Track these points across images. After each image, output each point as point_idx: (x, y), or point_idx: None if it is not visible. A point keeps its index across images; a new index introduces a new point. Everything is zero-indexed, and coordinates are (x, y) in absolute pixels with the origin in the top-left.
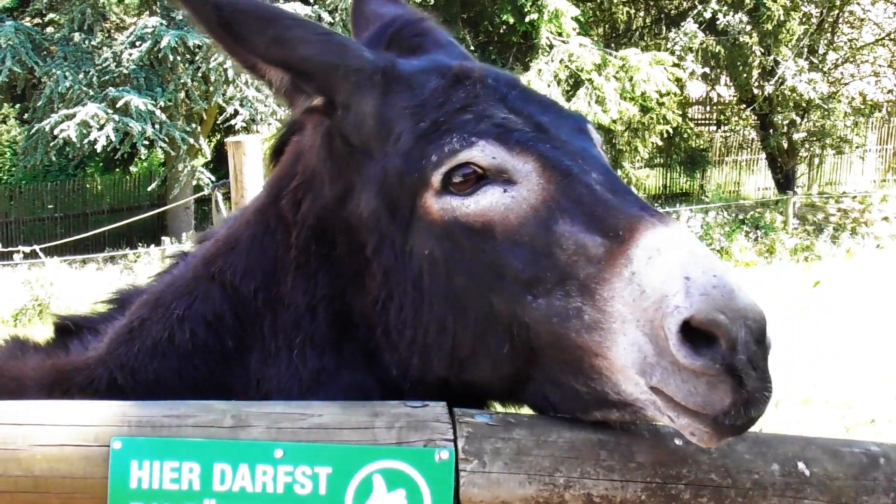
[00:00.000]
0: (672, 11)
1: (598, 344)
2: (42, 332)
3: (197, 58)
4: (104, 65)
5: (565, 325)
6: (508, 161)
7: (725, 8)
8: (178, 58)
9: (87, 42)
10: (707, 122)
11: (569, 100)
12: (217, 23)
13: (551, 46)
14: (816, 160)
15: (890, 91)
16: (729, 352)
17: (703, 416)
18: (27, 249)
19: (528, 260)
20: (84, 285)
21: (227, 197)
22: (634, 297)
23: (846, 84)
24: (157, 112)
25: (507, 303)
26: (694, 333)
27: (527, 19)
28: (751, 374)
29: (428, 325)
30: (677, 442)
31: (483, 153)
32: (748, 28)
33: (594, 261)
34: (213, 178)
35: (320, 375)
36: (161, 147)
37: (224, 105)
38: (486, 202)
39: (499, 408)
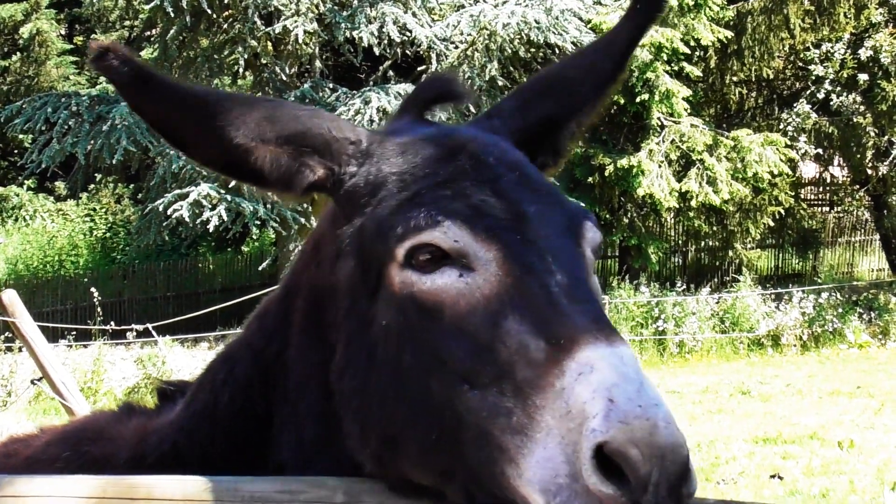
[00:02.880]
0: (785, 92)
1: (516, 449)
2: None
3: None
4: None
5: (493, 422)
6: (471, 246)
7: (839, 89)
8: None
9: None
10: (820, 202)
11: (679, 180)
12: (208, 113)
13: (662, 127)
14: None
15: None
16: (638, 490)
17: None
18: (140, 328)
19: (469, 350)
20: (196, 364)
21: None
22: (561, 412)
23: None
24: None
25: (443, 388)
26: (608, 461)
27: (637, 100)
28: None
29: (372, 398)
30: None
31: (445, 235)
32: (862, 109)
33: (533, 365)
34: None
35: (316, 445)
36: (272, 227)
37: None
38: (441, 283)
39: None
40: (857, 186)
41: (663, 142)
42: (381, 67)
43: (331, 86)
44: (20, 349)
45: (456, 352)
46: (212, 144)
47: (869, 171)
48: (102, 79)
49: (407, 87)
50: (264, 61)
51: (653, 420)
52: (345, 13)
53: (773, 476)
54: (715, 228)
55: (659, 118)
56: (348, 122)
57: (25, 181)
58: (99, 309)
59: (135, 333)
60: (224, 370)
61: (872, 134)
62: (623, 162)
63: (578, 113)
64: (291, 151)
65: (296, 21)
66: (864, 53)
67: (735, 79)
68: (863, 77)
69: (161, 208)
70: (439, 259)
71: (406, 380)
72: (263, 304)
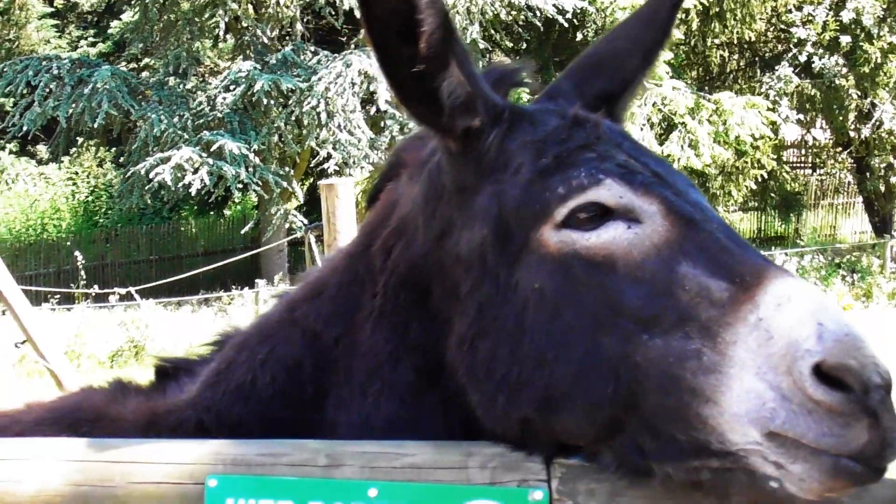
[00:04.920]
0: (767, 55)
1: (712, 388)
2: (138, 374)
3: (290, 102)
4: (198, 108)
5: (682, 365)
6: (634, 201)
7: (821, 51)
8: (272, 102)
9: (181, 86)
10: (802, 165)
11: (662, 143)
12: (444, 21)
13: (644, 90)
14: None
15: None
16: (863, 393)
17: (826, 459)
18: (123, 291)
19: (647, 298)
20: (179, 327)
21: (319, 240)
22: (759, 342)
23: None
24: (251, 156)
25: (618, 341)
26: (824, 379)
27: None
28: (885, 415)
29: (524, 361)
30: (773, 484)
31: (610, 191)
32: (844, 71)
33: (717, 304)
34: (306, 221)
35: (395, 424)
36: (254, 190)
37: (317, 148)
38: (609, 236)
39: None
40: (840, 149)
41: (644, 105)
42: (362, 30)
43: (312, 49)
44: (3, 312)
45: (633, 301)
46: (438, 46)
47: (851, 134)
48: (83, 42)
49: None
50: (245, 24)
51: (859, 338)
52: None
53: None
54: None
55: None
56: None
57: (7, 145)
58: (82, 272)
59: (118, 297)
60: (263, 350)
61: (855, 96)
62: None
63: (630, 84)
64: (469, 90)
65: None
66: (846, 16)
67: (717, 41)
68: (845, 39)
69: (143, 172)
70: (601, 216)
71: (570, 339)
72: (313, 286)
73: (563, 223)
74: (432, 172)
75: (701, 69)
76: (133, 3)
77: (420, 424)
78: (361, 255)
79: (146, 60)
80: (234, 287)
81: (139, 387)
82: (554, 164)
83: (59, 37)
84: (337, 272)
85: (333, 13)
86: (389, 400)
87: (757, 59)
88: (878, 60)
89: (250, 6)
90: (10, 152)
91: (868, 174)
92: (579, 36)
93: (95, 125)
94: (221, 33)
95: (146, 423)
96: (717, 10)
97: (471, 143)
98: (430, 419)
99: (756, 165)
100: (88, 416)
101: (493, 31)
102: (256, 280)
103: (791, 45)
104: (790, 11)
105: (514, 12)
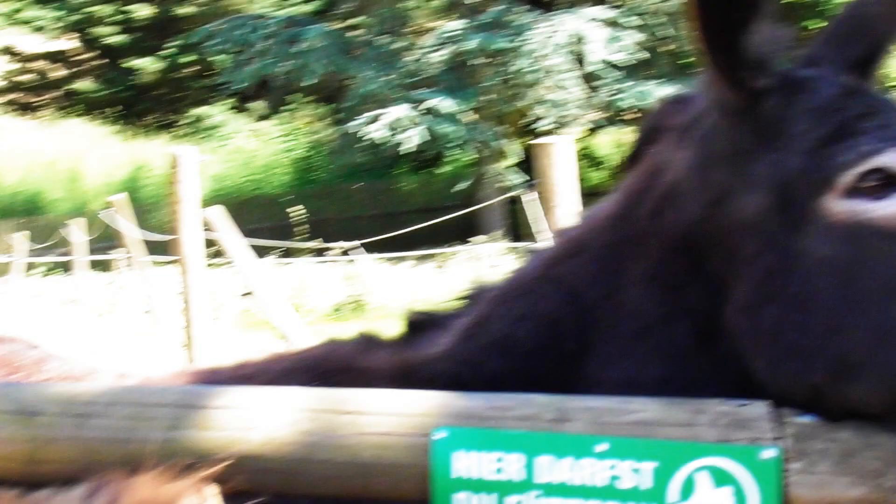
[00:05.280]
0: None
1: None
2: (357, 328)
3: (501, 61)
4: (410, 67)
5: None
6: None
7: None
8: (483, 61)
9: (392, 45)
10: None
11: None
12: None
13: None
14: None
15: None
16: None
17: None
18: (347, 245)
19: None
20: (398, 283)
21: (536, 198)
22: None
23: None
24: (464, 114)
25: None
26: None
27: None
28: None
29: (814, 329)
30: None
31: None
32: None
33: None
34: (521, 180)
35: (665, 385)
36: (469, 148)
37: (529, 108)
38: None
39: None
40: None
41: None
42: None
43: (523, 8)
44: (228, 265)
45: None
46: None
47: None
48: (291, 0)
49: (601, 11)
50: None
51: None
52: None
53: None
54: None
55: None
56: None
57: (222, 102)
58: (307, 225)
59: (340, 252)
60: (522, 305)
61: None
62: None
63: (881, 50)
64: (769, 48)
65: None
66: None
67: None
68: None
69: (356, 129)
70: (887, 185)
71: (863, 308)
72: (573, 245)
73: (848, 191)
74: (704, 137)
75: None
76: None
77: (691, 386)
78: (627, 218)
79: (357, 19)
80: (449, 244)
81: (384, 340)
82: (835, 132)
83: None
84: (600, 233)
85: None
86: (661, 361)
87: None
88: None
89: None
90: (229, 108)
91: None
92: None
93: (308, 83)
94: None
95: (400, 374)
96: None
97: (754, 104)
98: (703, 381)
99: None
100: (337, 367)
101: None
102: (471, 237)
103: None
104: None
105: None
